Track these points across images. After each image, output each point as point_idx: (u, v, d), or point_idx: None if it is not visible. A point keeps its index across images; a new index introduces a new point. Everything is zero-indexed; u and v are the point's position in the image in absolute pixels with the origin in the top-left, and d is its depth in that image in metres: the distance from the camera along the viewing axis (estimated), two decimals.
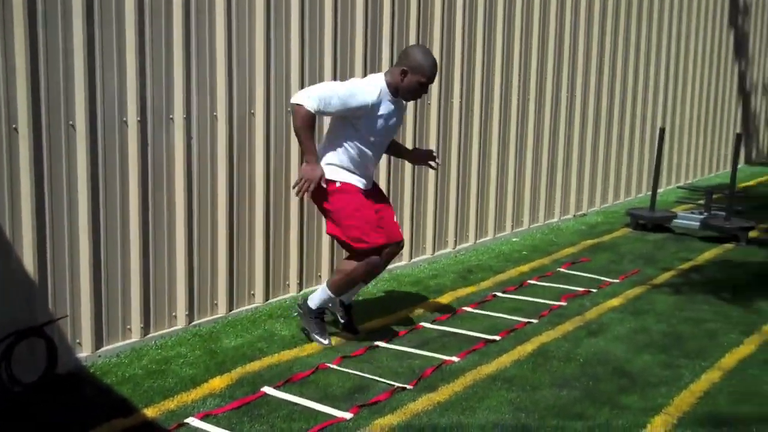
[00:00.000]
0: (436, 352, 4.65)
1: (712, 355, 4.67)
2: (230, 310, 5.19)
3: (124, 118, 4.46)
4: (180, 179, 4.77)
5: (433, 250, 6.75)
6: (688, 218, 7.90)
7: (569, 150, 8.36)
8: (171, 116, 4.70)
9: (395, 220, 4.85)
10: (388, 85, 4.58)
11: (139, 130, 4.52)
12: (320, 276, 5.78)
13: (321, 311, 4.82)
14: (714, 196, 8.19)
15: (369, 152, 4.62)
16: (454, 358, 4.53)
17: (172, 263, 4.82)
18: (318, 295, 4.79)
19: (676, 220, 7.92)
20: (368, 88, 4.51)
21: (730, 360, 4.58)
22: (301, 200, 5.54)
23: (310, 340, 4.82)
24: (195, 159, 4.87)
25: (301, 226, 5.59)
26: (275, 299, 5.49)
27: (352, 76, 5.77)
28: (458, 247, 7.00)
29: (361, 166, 4.64)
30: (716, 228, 7.60)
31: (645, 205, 8.54)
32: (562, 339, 4.89)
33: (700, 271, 6.53)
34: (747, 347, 4.79)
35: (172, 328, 4.86)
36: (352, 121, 4.52)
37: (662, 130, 8.19)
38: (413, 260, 6.55)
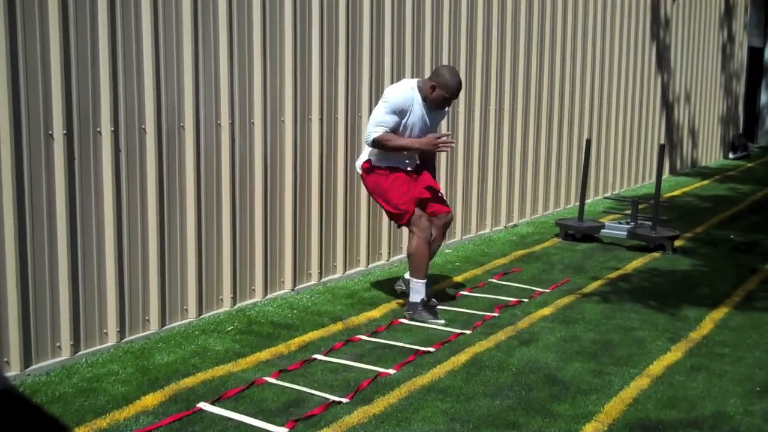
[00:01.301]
0: (372, 364, 4.66)
1: (640, 362, 4.78)
2: (163, 326, 5.12)
3: (50, 131, 4.38)
4: (108, 193, 4.70)
5: (368, 263, 6.77)
6: (615, 228, 8.08)
7: (499, 162, 8.48)
8: (98, 129, 4.63)
9: (439, 195, 5.68)
10: (420, 90, 5.43)
11: (65, 144, 4.44)
12: (254, 290, 5.75)
13: (423, 301, 5.51)
14: (640, 206, 8.39)
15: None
16: (390, 371, 4.55)
17: (102, 279, 4.73)
18: (412, 290, 5.55)
19: (603, 230, 8.09)
20: (401, 90, 5.42)
21: (657, 367, 4.70)
22: (233, 214, 5.51)
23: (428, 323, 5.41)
24: (124, 172, 4.80)
25: (234, 240, 5.56)
26: (209, 314, 5.43)
27: (282, 87, 5.77)
28: (392, 259, 7.04)
29: (401, 156, 5.51)
30: (642, 237, 7.79)
31: (574, 216, 8.71)
32: (495, 349, 4.95)
33: (628, 280, 6.68)
34: (674, 354, 4.92)
35: (103, 345, 4.78)
36: (403, 123, 5.40)
37: (588, 142, 8.37)
38: (347, 273, 6.56)
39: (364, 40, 6.47)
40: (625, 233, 7.93)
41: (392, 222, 6.45)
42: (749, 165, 15.45)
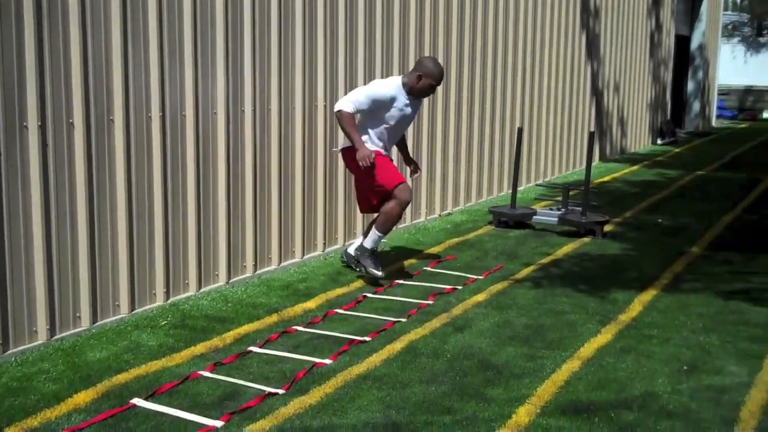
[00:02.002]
0: (308, 355, 4.67)
1: (571, 345, 4.88)
2: (94, 322, 5.05)
3: None
4: (36, 188, 4.60)
5: (303, 254, 6.76)
6: (546, 215, 8.23)
7: (433, 151, 8.54)
8: (25, 124, 4.53)
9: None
10: (404, 85, 6.07)
11: None
12: (187, 283, 5.71)
13: (374, 250, 6.12)
14: (570, 193, 8.55)
15: (386, 134, 6.17)
16: (326, 361, 4.57)
17: (30, 275, 4.64)
18: (369, 238, 6.10)
19: (535, 217, 8.23)
20: (387, 86, 6.04)
21: (588, 349, 4.80)
22: (165, 207, 5.46)
23: (367, 274, 6.06)
24: (51, 167, 4.71)
25: (167, 233, 5.50)
26: (141, 309, 5.37)
27: (214, 79, 5.73)
28: (327, 250, 7.04)
29: (381, 143, 6.17)
30: (573, 223, 7.95)
31: (507, 203, 8.82)
32: (430, 336, 5.00)
33: (559, 265, 6.80)
34: (604, 336, 5.03)
35: (32, 344, 4.69)
36: (375, 113, 6.02)
37: (520, 130, 8.49)
38: (282, 264, 6.55)
39: (296, 32, 6.45)
40: (556, 219, 8.08)
41: (329, 211, 6.46)
42: (677, 150, 15.83)
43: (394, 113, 6.08)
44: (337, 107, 5.95)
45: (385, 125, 6.12)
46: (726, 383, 4.33)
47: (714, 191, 10.81)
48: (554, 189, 9.74)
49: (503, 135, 10.07)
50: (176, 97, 5.48)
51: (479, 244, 7.55)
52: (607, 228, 8.07)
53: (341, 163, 7.06)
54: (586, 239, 7.75)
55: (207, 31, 5.67)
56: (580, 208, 8.10)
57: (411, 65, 7.92)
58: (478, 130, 9.44)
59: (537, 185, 10.64)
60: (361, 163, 5.90)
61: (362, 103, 5.95)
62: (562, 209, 8.34)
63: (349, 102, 5.93)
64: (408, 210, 8.17)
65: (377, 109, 6.01)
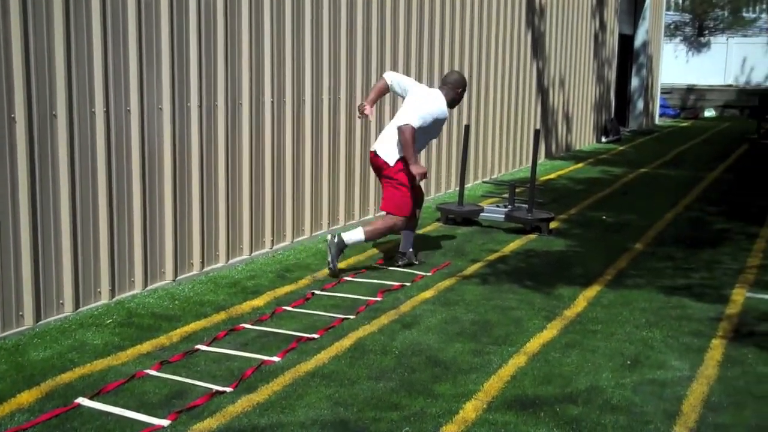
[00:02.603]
0: (256, 352, 4.65)
1: (518, 340, 4.94)
2: (38, 321, 4.97)
3: None
4: None
5: (251, 251, 6.73)
6: (493, 212, 8.30)
7: None
8: None
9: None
10: (445, 98, 6.54)
11: None
12: (133, 281, 5.64)
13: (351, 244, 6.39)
14: (517, 190, 8.64)
15: (425, 146, 6.86)
16: (274, 358, 4.56)
17: None
18: (353, 240, 6.33)
19: (482, 214, 8.29)
20: (442, 104, 6.49)
21: (534, 344, 4.86)
22: (110, 204, 5.39)
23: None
24: None
25: (112, 230, 5.43)
26: (86, 307, 5.30)
27: (159, 74, 5.67)
28: (276, 247, 7.02)
29: (419, 153, 6.59)
30: (519, 220, 8.04)
31: (454, 200, 8.88)
32: (378, 333, 5.02)
33: (506, 262, 6.87)
34: (549, 332, 5.10)
35: None
36: (430, 128, 6.47)
37: (467, 128, 8.54)
38: (230, 261, 6.51)
39: (243, 28, 6.41)
40: (503, 216, 8.16)
41: (277, 208, 6.45)
42: (621, 148, 16.08)
43: (441, 127, 6.66)
44: (407, 124, 6.23)
45: (431, 138, 6.76)
46: (668, 377, 4.42)
47: (657, 188, 11.01)
48: (501, 186, 9.83)
49: (450, 132, 10.13)
50: (120, 92, 5.41)
51: (427, 240, 7.59)
52: (553, 225, 8.17)
53: (289, 161, 7.05)
54: (532, 236, 7.84)
55: (152, 30, 5.60)
56: (526, 205, 8.19)
57: (358, 59, 7.93)
58: None
59: (484, 182, 10.72)
60: (419, 179, 6.34)
61: (427, 121, 6.37)
62: (509, 206, 8.42)
63: (417, 118, 6.27)
64: (356, 207, 8.18)
65: (434, 124, 6.48)
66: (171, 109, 5.80)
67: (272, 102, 6.80)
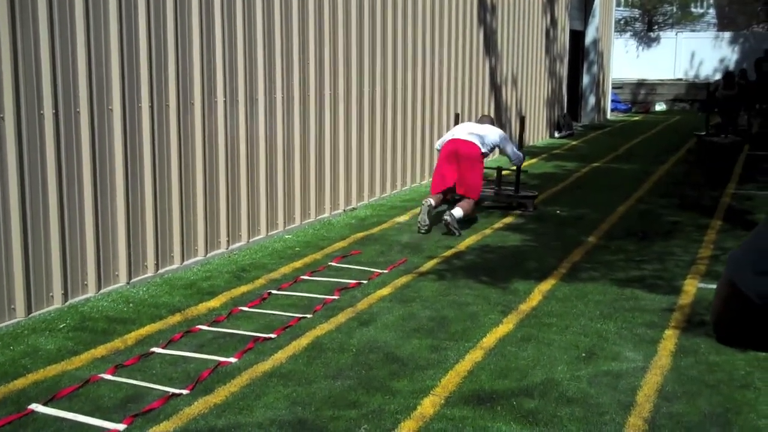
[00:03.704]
0: (213, 354, 4.62)
1: (474, 335, 4.97)
2: None
3: None
4: None
5: (206, 251, 6.68)
6: (486, 191, 8.97)
7: (336, 146, 8.55)
8: None
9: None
10: None
11: None
12: (86, 285, 5.57)
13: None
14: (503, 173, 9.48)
15: None
16: (231, 359, 4.53)
17: None
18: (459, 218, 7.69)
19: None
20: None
21: (490, 339, 4.90)
22: (61, 205, 5.31)
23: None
24: None
25: (63, 233, 5.35)
26: (39, 312, 5.22)
27: (108, 74, 5.60)
28: (231, 247, 6.98)
29: None
30: (508, 198, 9.10)
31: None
32: (335, 331, 5.02)
33: (462, 257, 6.91)
34: (505, 326, 5.14)
35: None
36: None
37: (457, 116, 8.57)
38: (185, 263, 6.45)
39: (194, 28, 6.36)
40: (494, 194, 9.13)
41: (231, 208, 6.42)
42: (573, 143, 16.24)
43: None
44: (522, 158, 8.67)
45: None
46: (623, 368, 4.48)
47: (609, 182, 11.15)
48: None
49: (405, 130, 10.16)
50: (69, 93, 5.34)
51: (384, 238, 7.60)
52: (537, 200, 9.25)
53: (243, 160, 7.01)
54: (486, 231, 7.90)
55: (100, 25, 5.53)
56: (511, 187, 9.22)
57: (310, 57, 7.91)
58: (381, 125, 9.49)
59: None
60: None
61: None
62: (495, 188, 9.23)
63: (518, 151, 8.70)
64: (312, 205, 8.17)
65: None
66: (121, 109, 5.73)
67: (225, 101, 6.75)
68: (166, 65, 6.12)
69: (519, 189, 9.12)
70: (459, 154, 7.96)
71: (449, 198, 8.21)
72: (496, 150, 9.07)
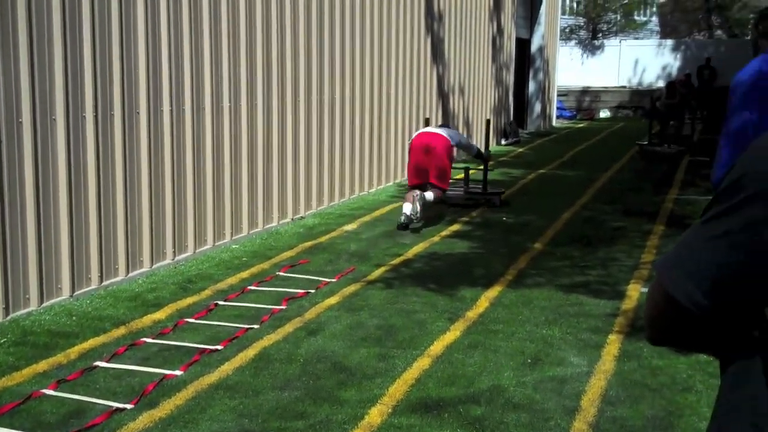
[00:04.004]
0: (158, 367, 4.57)
1: (422, 343, 4.99)
2: None
3: None
4: None
5: (152, 263, 6.60)
6: (455, 192, 9.84)
7: (284, 155, 8.52)
8: None
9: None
10: None
11: None
12: (28, 298, 5.47)
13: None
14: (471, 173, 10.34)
15: None
16: (176, 372, 4.48)
17: None
18: (425, 204, 8.31)
19: (448, 192, 9.33)
20: None
21: (438, 346, 4.92)
22: (2, 216, 5.21)
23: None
24: None
25: (4, 244, 5.25)
26: None
27: (52, 85, 5.51)
28: (178, 258, 6.91)
29: None
30: (477, 195, 9.93)
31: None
32: (283, 341, 5.00)
33: (410, 265, 6.93)
34: (453, 333, 5.17)
35: None
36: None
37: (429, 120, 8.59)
38: (130, 274, 6.37)
39: (140, 36, 6.30)
40: (463, 192, 9.94)
41: (178, 218, 6.36)
42: (520, 150, 16.41)
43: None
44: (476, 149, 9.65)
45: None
46: (567, 374, 4.54)
47: (555, 189, 11.28)
48: (405, 188, 9.93)
49: (353, 138, 10.17)
50: (11, 103, 5.24)
51: (332, 247, 7.60)
52: (503, 197, 10.06)
53: (189, 169, 6.95)
54: (435, 239, 7.94)
55: (44, 33, 5.45)
56: (480, 186, 10.08)
57: (258, 67, 7.88)
58: (329, 134, 9.49)
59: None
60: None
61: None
62: (464, 186, 10.07)
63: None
64: (260, 215, 8.13)
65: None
66: (65, 119, 5.65)
67: (171, 110, 6.69)
68: (111, 75, 6.04)
69: (486, 187, 10.03)
70: (429, 146, 8.60)
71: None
72: (460, 152, 10.16)
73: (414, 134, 9.32)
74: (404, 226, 8.26)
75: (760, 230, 1.12)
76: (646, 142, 16.14)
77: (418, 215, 8.25)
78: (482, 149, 10.36)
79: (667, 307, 1.22)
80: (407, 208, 8.27)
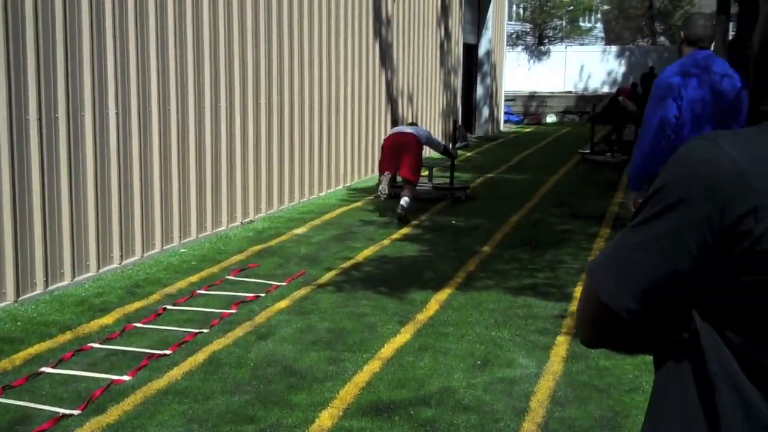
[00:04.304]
0: (105, 372, 4.51)
1: (372, 346, 5.00)
2: None
3: None
4: None
5: (98, 267, 6.51)
6: (424, 186, 10.43)
7: (232, 158, 8.47)
8: None
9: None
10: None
11: None
12: None
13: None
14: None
15: None
16: (124, 377, 4.43)
17: None
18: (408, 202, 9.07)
19: (417, 188, 9.78)
20: None
21: (388, 349, 4.94)
22: None
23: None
24: None
25: None
26: None
27: None
28: (125, 262, 6.82)
29: None
30: (444, 190, 10.59)
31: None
32: (233, 345, 4.97)
33: (360, 269, 6.94)
34: (403, 336, 5.19)
35: None
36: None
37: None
38: (76, 279, 6.28)
39: (84, 39, 6.21)
40: (431, 189, 10.65)
41: (125, 221, 6.28)
42: (469, 154, 16.51)
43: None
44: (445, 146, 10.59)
45: None
46: (517, 375, 4.58)
47: (503, 192, 11.39)
48: (354, 194, 9.94)
49: (303, 141, 10.15)
50: None
51: (282, 250, 7.57)
52: (469, 191, 10.93)
53: (136, 172, 6.88)
54: (385, 242, 7.96)
55: (19, 44, 5.36)
56: (446, 182, 10.86)
57: (206, 70, 7.83)
58: (278, 137, 9.46)
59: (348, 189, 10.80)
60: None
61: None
62: (431, 183, 10.88)
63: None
64: (208, 218, 8.07)
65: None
66: (8, 121, 5.54)
67: (117, 113, 6.61)
68: (54, 77, 5.95)
69: (453, 182, 10.82)
70: (400, 143, 9.39)
71: (393, 181, 9.61)
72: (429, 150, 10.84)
73: (386, 134, 10.38)
74: (403, 216, 9.01)
75: (685, 236, 1.15)
76: (588, 151, 15.66)
77: (385, 192, 9.17)
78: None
79: (600, 312, 1.25)
80: (383, 185, 9.23)
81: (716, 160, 1.13)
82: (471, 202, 10.54)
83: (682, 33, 4.95)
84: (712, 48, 5.01)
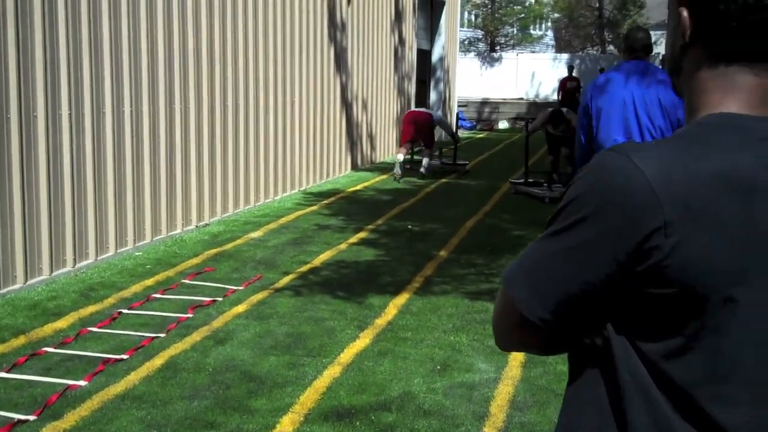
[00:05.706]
0: (61, 377, 4.44)
1: (332, 351, 4.99)
2: None
3: None
4: None
5: (51, 270, 6.40)
6: (435, 163, 13.53)
7: (187, 161, 8.40)
8: None
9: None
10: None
11: None
12: None
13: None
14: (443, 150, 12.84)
15: None
16: (81, 382, 4.36)
17: None
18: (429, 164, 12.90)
19: (424, 162, 12.54)
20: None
21: (348, 354, 4.93)
22: None
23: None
24: None
25: None
26: None
27: None
28: (78, 265, 6.72)
29: None
30: (448, 166, 13.92)
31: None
32: (190, 350, 4.92)
33: (317, 273, 6.93)
34: (362, 341, 5.19)
35: None
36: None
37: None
38: (28, 282, 6.16)
39: (37, 40, 6.11)
40: (440, 164, 14.03)
41: (78, 224, 6.20)
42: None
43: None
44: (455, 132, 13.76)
45: None
46: (476, 380, 4.61)
47: (458, 197, 11.44)
48: (310, 198, 9.90)
49: (258, 145, 10.09)
50: None
51: (238, 254, 7.52)
52: (468, 167, 13.88)
53: (90, 174, 6.78)
54: (341, 246, 7.95)
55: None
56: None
57: (159, 71, 7.75)
58: (233, 140, 9.40)
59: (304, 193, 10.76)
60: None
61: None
62: (440, 160, 14.22)
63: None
64: (163, 221, 7.99)
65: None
66: None
67: (70, 114, 6.51)
68: (7, 78, 5.84)
69: (456, 159, 14.26)
70: (417, 119, 12.88)
71: (411, 151, 13.34)
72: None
73: (405, 112, 14.11)
74: (399, 175, 12.29)
75: (596, 249, 1.16)
76: (521, 180, 12.19)
77: (399, 174, 12.55)
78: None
79: (515, 319, 1.27)
80: (400, 156, 12.71)
81: (627, 175, 1.14)
82: (426, 206, 10.58)
83: (623, 45, 5.28)
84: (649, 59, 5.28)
